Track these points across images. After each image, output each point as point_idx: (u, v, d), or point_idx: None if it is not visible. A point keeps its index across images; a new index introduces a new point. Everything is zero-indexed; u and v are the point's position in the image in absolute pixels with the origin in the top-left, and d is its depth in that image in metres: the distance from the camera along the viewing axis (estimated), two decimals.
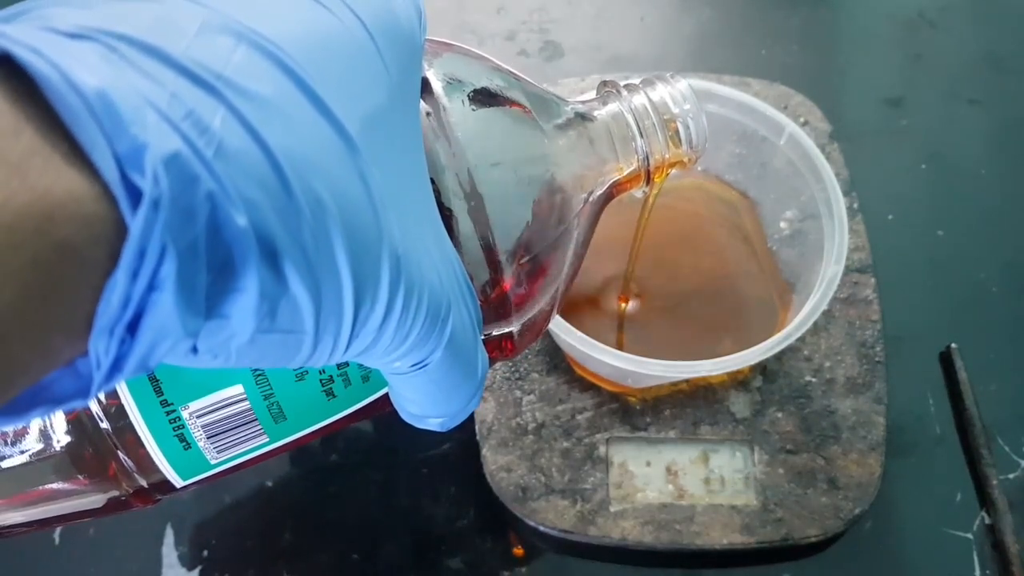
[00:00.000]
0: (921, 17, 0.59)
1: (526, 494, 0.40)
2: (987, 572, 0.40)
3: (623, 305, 0.43)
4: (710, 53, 0.57)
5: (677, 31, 0.58)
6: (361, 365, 0.23)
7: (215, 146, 0.14)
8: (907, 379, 0.44)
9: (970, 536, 0.41)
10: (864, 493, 0.40)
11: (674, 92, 0.27)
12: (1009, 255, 0.49)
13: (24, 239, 0.13)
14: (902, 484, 0.42)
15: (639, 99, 0.27)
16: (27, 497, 0.23)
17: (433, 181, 0.21)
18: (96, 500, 0.24)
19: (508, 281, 0.23)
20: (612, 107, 0.27)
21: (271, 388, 0.23)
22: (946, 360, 0.45)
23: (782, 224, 0.44)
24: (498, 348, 0.25)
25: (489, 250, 0.22)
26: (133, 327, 0.14)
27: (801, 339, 0.41)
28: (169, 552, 0.41)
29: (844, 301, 0.44)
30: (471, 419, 0.41)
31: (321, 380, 0.23)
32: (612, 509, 0.39)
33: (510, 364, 0.43)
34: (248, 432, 0.24)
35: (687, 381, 0.42)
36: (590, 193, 0.26)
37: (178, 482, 0.24)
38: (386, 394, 0.25)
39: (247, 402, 0.23)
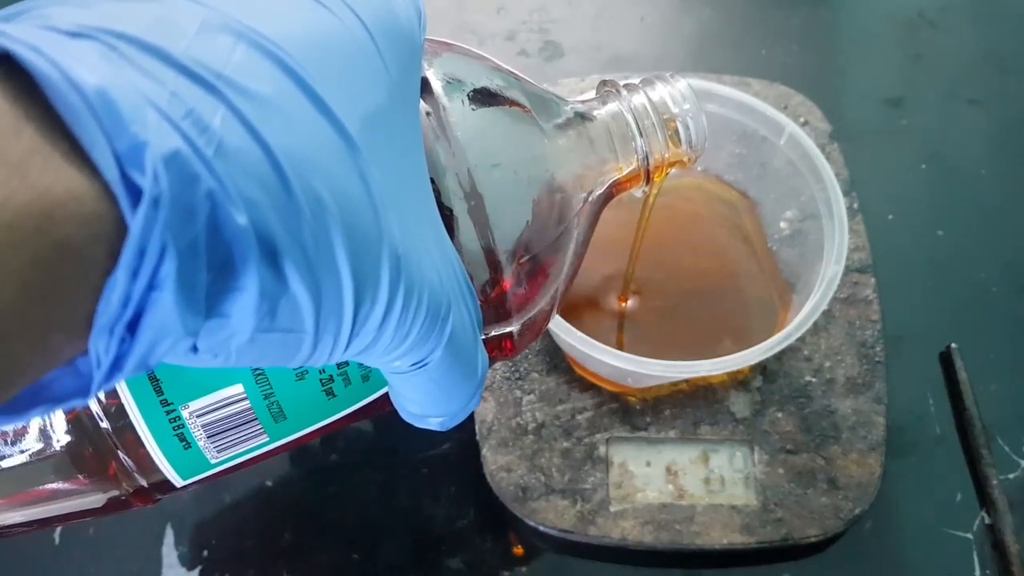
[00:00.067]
0: (921, 17, 0.59)
1: (526, 494, 0.40)
2: (987, 572, 0.40)
3: (623, 305, 0.43)
4: (710, 53, 0.57)
5: (677, 31, 0.58)
6: (361, 364, 0.23)
7: (215, 145, 0.14)
8: (907, 379, 0.44)
9: (970, 536, 0.41)
10: (864, 493, 0.40)
11: (674, 92, 0.27)
12: (1009, 255, 0.49)
13: (24, 238, 0.13)
14: (902, 484, 0.42)
15: (639, 99, 0.27)
16: (27, 497, 0.23)
17: (433, 181, 0.21)
18: (96, 500, 0.24)
19: (508, 281, 0.23)
20: (612, 107, 0.27)
21: (271, 387, 0.23)
22: (946, 360, 0.45)
23: (782, 224, 0.44)
24: (498, 348, 0.25)
25: (489, 250, 0.22)
26: (133, 326, 0.14)
27: (801, 339, 0.41)
28: (169, 552, 0.40)
29: (844, 301, 0.44)
30: (471, 419, 0.41)
31: (321, 379, 0.23)
32: (612, 509, 0.39)
33: (510, 364, 0.43)
34: (248, 431, 0.24)
35: (687, 381, 0.42)
36: (590, 193, 0.26)
37: (178, 482, 0.24)
38: (386, 393, 0.25)
39: (247, 401, 0.23)
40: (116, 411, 0.22)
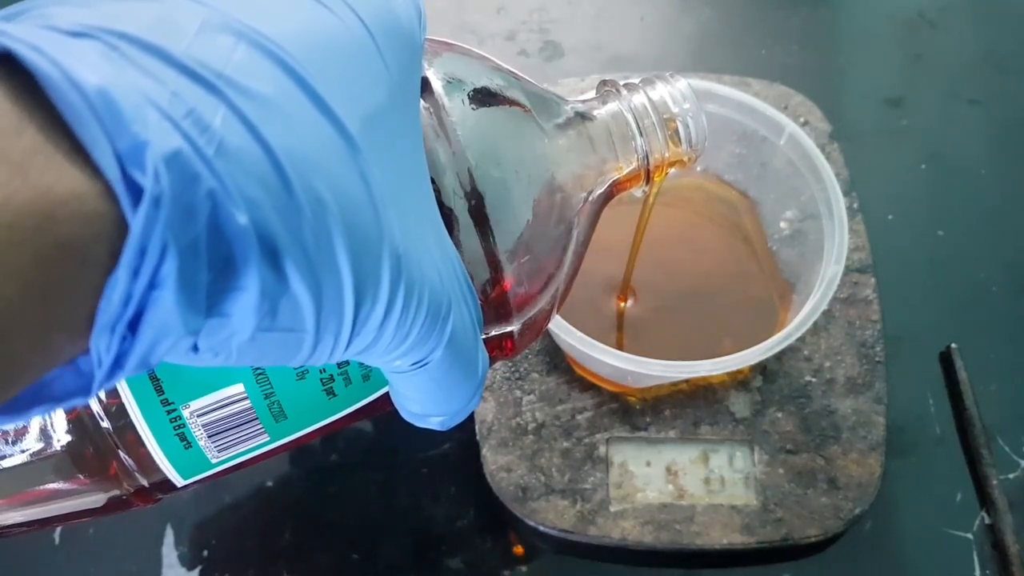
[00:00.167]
0: (921, 17, 0.59)
1: (526, 494, 0.40)
2: (987, 572, 0.40)
3: (623, 305, 0.43)
4: (710, 53, 0.57)
5: (677, 31, 0.58)
6: (362, 364, 0.23)
7: (216, 144, 0.14)
8: (907, 379, 0.44)
9: (970, 536, 0.41)
10: (864, 493, 0.40)
11: (674, 91, 0.27)
12: (1009, 255, 0.49)
13: (25, 237, 0.13)
14: (902, 484, 0.42)
15: (639, 98, 0.27)
16: (27, 497, 0.23)
17: (433, 180, 0.21)
18: (97, 499, 0.24)
19: (508, 280, 0.23)
20: (612, 106, 0.27)
21: (272, 387, 0.23)
22: (946, 360, 0.45)
23: (782, 224, 0.44)
24: (498, 347, 0.25)
25: (489, 249, 0.22)
26: (134, 325, 0.14)
27: (801, 339, 0.41)
28: (169, 552, 0.41)
29: (844, 301, 0.44)
30: (471, 419, 0.41)
31: (322, 379, 0.23)
32: (612, 509, 0.39)
33: (510, 364, 0.43)
34: (249, 431, 0.24)
35: (687, 381, 0.42)
36: (590, 192, 0.26)
37: (179, 481, 0.24)
38: (387, 393, 0.25)
39: (248, 401, 0.23)
40: (117, 410, 0.22)
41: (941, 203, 0.51)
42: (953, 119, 0.54)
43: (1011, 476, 0.42)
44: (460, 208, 0.22)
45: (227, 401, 0.23)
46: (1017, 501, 0.41)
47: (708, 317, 0.43)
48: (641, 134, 0.27)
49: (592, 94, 0.28)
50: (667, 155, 0.27)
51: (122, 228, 0.14)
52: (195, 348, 0.16)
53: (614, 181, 0.27)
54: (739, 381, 0.42)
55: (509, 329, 0.24)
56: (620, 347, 0.37)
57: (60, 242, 0.13)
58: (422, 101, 0.22)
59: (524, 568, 0.40)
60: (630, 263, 0.40)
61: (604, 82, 0.28)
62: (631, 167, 0.27)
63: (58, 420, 0.22)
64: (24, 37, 0.14)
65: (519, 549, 0.41)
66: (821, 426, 0.41)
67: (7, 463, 0.22)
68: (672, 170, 0.28)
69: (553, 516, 0.39)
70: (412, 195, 0.19)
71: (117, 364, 0.15)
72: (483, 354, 0.22)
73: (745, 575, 0.41)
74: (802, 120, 0.49)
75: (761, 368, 0.43)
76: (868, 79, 0.56)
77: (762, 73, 0.51)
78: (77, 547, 0.41)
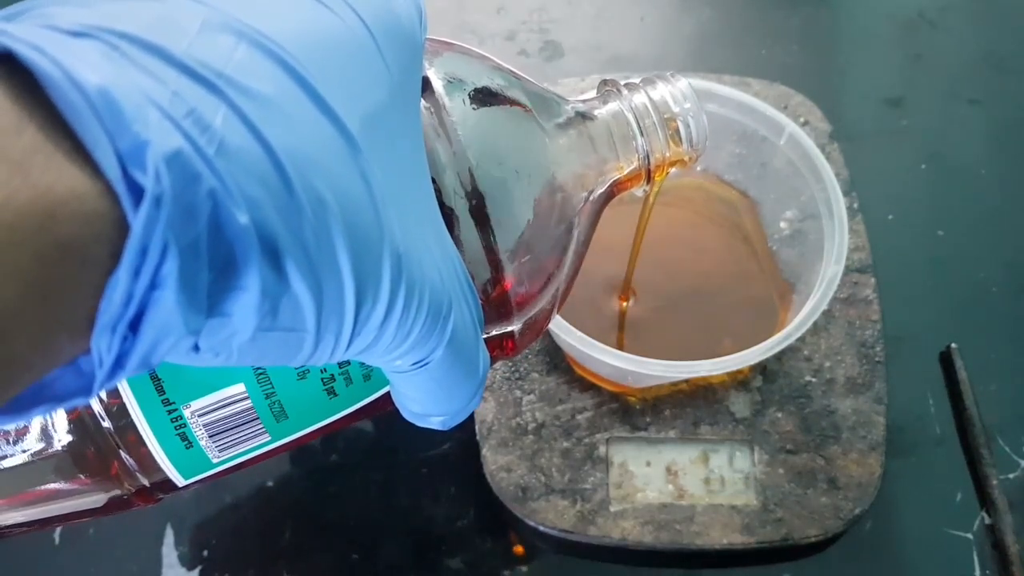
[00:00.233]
0: (921, 17, 0.59)
1: (526, 494, 0.40)
2: (987, 572, 0.40)
3: (623, 305, 0.43)
4: (710, 53, 0.57)
5: (677, 31, 0.58)
6: (362, 364, 0.23)
7: (216, 144, 0.14)
8: (907, 379, 0.44)
9: (970, 536, 0.41)
10: (864, 493, 0.40)
11: (674, 91, 0.27)
12: (1009, 255, 0.49)
13: (26, 237, 0.13)
14: (902, 484, 0.42)
15: (639, 98, 0.27)
16: (28, 496, 0.23)
17: (434, 180, 0.21)
18: (97, 499, 0.24)
19: (509, 280, 0.23)
20: (612, 106, 0.27)
21: (272, 387, 0.23)
22: (946, 360, 0.45)
23: (782, 224, 0.44)
24: (499, 347, 0.25)
25: (490, 249, 0.22)
26: (135, 325, 0.14)
27: (801, 339, 0.41)
28: (169, 552, 0.40)
29: (844, 301, 0.44)
30: (471, 419, 0.41)
31: (322, 379, 0.23)
32: (612, 509, 0.39)
33: (510, 364, 0.43)
34: (250, 431, 0.24)
35: (687, 381, 0.42)
36: (591, 192, 0.26)
37: (180, 481, 0.24)
38: (387, 393, 0.25)
39: (248, 401, 0.23)
40: (118, 410, 0.22)
41: (941, 203, 0.51)
42: (953, 119, 0.54)
43: (1011, 476, 0.42)
44: (461, 208, 0.22)
45: (228, 401, 0.23)
46: (1017, 501, 0.41)
47: (708, 317, 0.43)
48: (642, 134, 0.27)
49: (592, 94, 0.28)
50: (668, 155, 0.27)
51: (123, 228, 0.14)
52: (196, 348, 0.16)
53: (615, 181, 0.27)
54: (739, 381, 0.42)
55: (510, 329, 0.24)
56: (620, 347, 0.37)
57: (61, 242, 0.13)
58: (423, 101, 0.22)
59: (524, 568, 0.40)
60: (630, 263, 0.40)
61: (605, 82, 0.28)
62: (632, 167, 0.27)
63: (59, 420, 0.22)
64: (24, 36, 0.14)
65: (519, 549, 0.41)
66: (821, 426, 0.41)
67: (8, 463, 0.22)
68: (672, 170, 0.28)
69: (553, 516, 0.39)
70: (413, 195, 0.19)
71: (118, 364, 0.15)
72: (484, 354, 0.22)
73: (745, 575, 0.41)
74: (802, 120, 0.49)
75: (761, 368, 0.43)
76: (868, 79, 0.56)
77: (762, 73, 0.51)
78: (77, 547, 0.41)
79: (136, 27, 0.15)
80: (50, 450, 0.22)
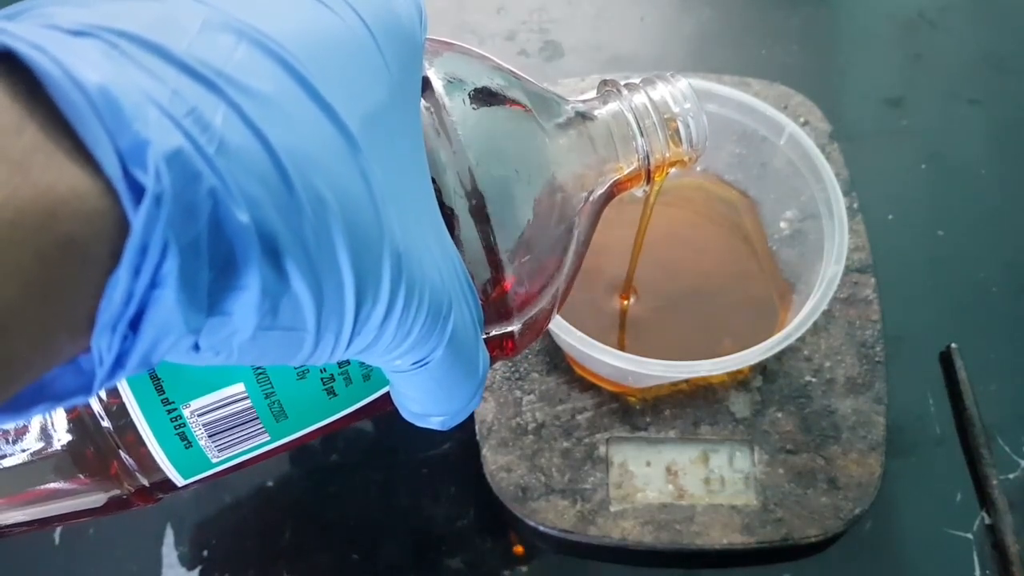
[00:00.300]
0: (921, 17, 0.59)
1: (526, 494, 0.40)
2: (987, 572, 0.40)
3: (623, 305, 0.43)
4: (710, 53, 0.57)
5: (677, 31, 0.58)
6: (362, 363, 0.23)
7: (217, 143, 0.14)
8: (907, 379, 0.44)
9: (970, 536, 0.41)
10: (864, 493, 0.40)
11: (674, 91, 0.27)
12: (1009, 255, 0.49)
13: (27, 236, 0.13)
14: (902, 484, 0.42)
15: (639, 98, 0.27)
16: (28, 496, 0.23)
17: (434, 180, 0.21)
18: (97, 499, 0.24)
19: (509, 280, 0.23)
20: (612, 106, 0.27)
21: (272, 386, 0.23)
22: (946, 360, 0.45)
23: (782, 224, 0.44)
24: (499, 347, 0.25)
25: (490, 249, 0.22)
26: (135, 324, 0.14)
27: (801, 339, 0.41)
28: (169, 552, 0.40)
29: (844, 301, 0.44)
30: (471, 419, 0.41)
31: (322, 379, 0.23)
32: (612, 509, 0.39)
33: (510, 364, 0.43)
34: (249, 431, 0.24)
35: (687, 381, 0.42)
36: (591, 192, 0.26)
37: (179, 481, 0.24)
38: (387, 393, 0.25)
39: (248, 400, 0.23)
40: (117, 410, 0.22)
41: (941, 203, 0.51)
42: (953, 119, 0.54)
43: (1011, 476, 0.42)
44: (461, 207, 0.22)
45: (228, 401, 0.23)
46: (1017, 501, 0.41)
47: (708, 317, 0.43)
48: (642, 134, 0.27)
49: (592, 94, 0.28)
50: (668, 155, 0.27)
51: (123, 227, 0.14)
52: (196, 347, 0.16)
53: (615, 181, 0.27)
54: (739, 381, 0.42)
55: (510, 329, 0.24)
56: (620, 347, 0.37)
57: (61, 241, 0.13)
58: (423, 100, 0.22)
59: (524, 568, 0.40)
60: (631, 263, 0.40)
61: (605, 82, 0.28)
62: (632, 167, 0.27)
63: (59, 419, 0.22)
64: (25, 36, 0.14)
65: (519, 549, 0.41)
66: (821, 426, 0.41)
67: (7, 462, 0.22)
68: (673, 170, 0.28)
69: (553, 516, 0.39)
70: (412, 194, 0.19)
71: (118, 363, 0.15)
72: (484, 354, 0.22)
73: (745, 575, 0.41)
74: (802, 120, 0.49)
75: (761, 368, 0.43)
76: (868, 79, 0.56)
77: (762, 73, 0.51)
78: (77, 547, 0.41)
79: (136, 26, 0.15)
80: (49, 450, 0.22)
